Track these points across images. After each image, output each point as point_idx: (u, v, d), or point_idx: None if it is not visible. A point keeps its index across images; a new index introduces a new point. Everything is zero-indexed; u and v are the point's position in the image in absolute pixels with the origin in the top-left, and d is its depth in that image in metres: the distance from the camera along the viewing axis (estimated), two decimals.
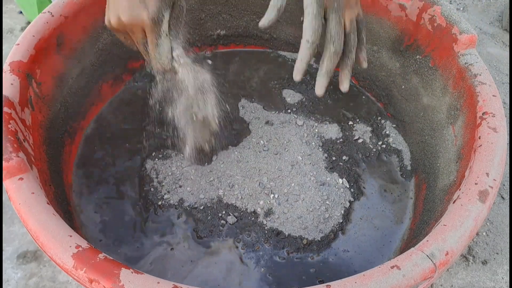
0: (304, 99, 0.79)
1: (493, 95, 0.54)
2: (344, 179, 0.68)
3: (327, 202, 0.65)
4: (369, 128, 0.75)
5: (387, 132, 0.75)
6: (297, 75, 0.56)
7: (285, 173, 0.67)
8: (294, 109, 0.77)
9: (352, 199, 0.66)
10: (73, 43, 0.64)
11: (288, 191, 0.66)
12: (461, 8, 1.18)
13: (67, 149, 0.64)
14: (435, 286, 0.68)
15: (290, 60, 0.86)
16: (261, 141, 0.72)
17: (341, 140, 0.73)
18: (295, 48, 0.84)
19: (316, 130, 0.74)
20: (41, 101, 0.57)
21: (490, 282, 0.68)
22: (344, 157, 0.71)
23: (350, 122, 0.76)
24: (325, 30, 0.54)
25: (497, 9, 1.17)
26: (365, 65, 0.59)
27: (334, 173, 0.69)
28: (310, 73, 0.82)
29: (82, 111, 0.69)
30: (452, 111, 0.61)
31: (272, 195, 0.65)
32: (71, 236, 0.41)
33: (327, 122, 0.75)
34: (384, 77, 0.75)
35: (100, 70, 0.70)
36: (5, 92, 0.51)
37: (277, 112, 0.77)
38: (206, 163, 0.67)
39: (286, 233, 0.61)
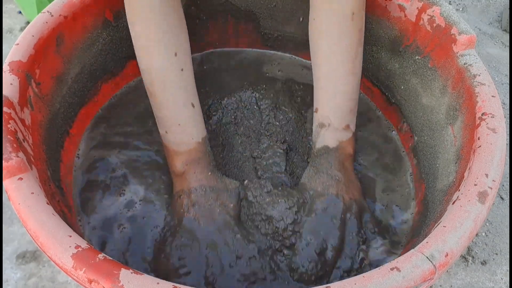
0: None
1: (492, 96, 0.54)
2: None
3: None
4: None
5: (386, 133, 0.75)
6: None
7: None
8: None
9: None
10: (73, 43, 0.64)
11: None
12: (460, 9, 1.18)
13: (67, 149, 0.64)
14: (434, 286, 0.68)
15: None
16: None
17: None
18: (294, 48, 0.85)
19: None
20: (40, 101, 0.57)
21: (489, 283, 0.68)
22: None
23: None
24: None
25: (497, 10, 1.17)
26: None
27: None
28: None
29: (81, 112, 0.69)
30: (451, 111, 0.61)
31: None
32: (70, 236, 0.41)
33: None
34: (383, 78, 0.75)
35: (99, 70, 0.70)
36: (4, 92, 0.51)
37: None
38: None
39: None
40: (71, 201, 0.62)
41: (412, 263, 0.40)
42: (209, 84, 0.79)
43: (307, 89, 0.80)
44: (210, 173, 0.62)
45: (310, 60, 0.84)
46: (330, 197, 0.60)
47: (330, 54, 0.63)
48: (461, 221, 0.43)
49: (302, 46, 0.83)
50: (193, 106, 0.62)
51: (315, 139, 0.66)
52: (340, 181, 0.62)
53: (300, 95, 0.79)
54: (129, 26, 0.61)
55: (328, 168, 0.63)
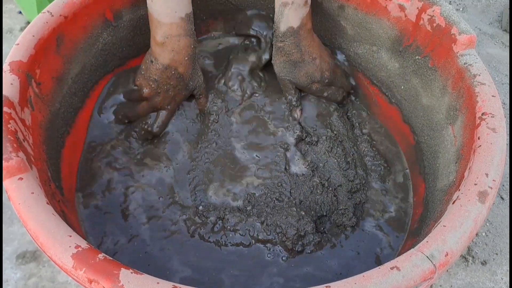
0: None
1: (493, 96, 0.54)
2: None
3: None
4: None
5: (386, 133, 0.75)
6: None
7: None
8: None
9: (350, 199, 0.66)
10: (73, 43, 0.64)
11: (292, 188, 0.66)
12: (461, 9, 1.18)
13: (67, 149, 0.64)
14: (435, 286, 0.68)
15: None
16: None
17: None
18: None
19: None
20: (40, 101, 0.57)
21: (489, 283, 0.68)
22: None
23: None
24: None
25: (497, 10, 1.17)
26: None
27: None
28: None
29: (82, 111, 0.69)
30: (451, 111, 0.61)
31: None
32: (70, 236, 0.41)
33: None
34: (383, 78, 0.75)
35: (99, 70, 0.70)
36: (5, 92, 0.51)
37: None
38: None
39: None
40: (71, 200, 0.62)
41: (412, 262, 0.40)
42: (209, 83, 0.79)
43: None
44: (187, 58, 0.65)
45: None
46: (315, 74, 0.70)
47: None
48: (461, 221, 0.43)
49: None
50: None
51: (279, 21, 0.67)
52: (316, 58, 0.68)
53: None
54: None
55: (300, 54, 0.68)
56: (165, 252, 0.60)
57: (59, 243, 0.40)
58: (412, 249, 0.42)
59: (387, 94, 0.76)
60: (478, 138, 0.51)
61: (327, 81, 0.71)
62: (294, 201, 0.65)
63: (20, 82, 0.53)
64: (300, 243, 0.60)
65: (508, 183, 0.79)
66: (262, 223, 0.62)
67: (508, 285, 0.68)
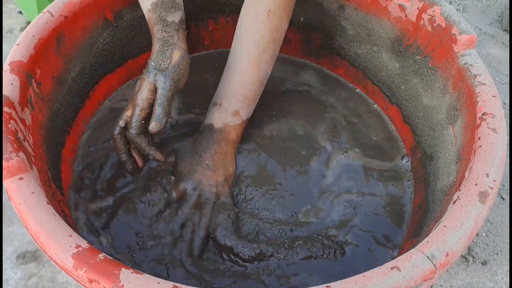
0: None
1: (493, 96, 0.54)
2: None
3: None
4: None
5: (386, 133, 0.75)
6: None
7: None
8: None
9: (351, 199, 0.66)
10: (73, 43, 0.64)
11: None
12: (461, 9, 1.18)
13: (67, 149, 0.64)
14: (435, 286, 0.68)
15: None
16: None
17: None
18: (294, 48, 0.85)
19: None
20: (41, 101, 0.57)
21: (489, 283, 0.68)
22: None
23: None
24: None
25: (497, 10, 1.17)
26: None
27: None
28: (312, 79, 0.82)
29: (82, 111, 0.69)
30: (451, 111, 0.61)
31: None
32: (71, 236, 0.41)
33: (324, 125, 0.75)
34: (383, 78, 0.75)
35: (100, 70, 0.70)
36: (5, 92, 0.51)
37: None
38: None
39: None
40: (71, 200, 0.62)
41: (413, 262, 0.40)
42: (209, 84, 0.79)
43: (304, 88, 0.80)
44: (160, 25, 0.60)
45: (308, 60, 0.85)
46: (191, 182, 0.63)
47: (241, 42, 0.65)
48: (461, 221, 0.43)
49: (301, 46, 0.84)
50: None
51: (206, 116, 0.68)
52: (209, 166, 0.64)
53: (297, 94, 0.79)
54: None
55: (204, 149, 0.65)
56: (162, 255, 0.60)
57: (60, 243, 0.40)
58: (412, 249, 0.42)
59: (387, 94, 0.76)
60: (479, 138, 0.51)
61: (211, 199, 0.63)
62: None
63: (20, 82, 0.53)
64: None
65: (508, 183, 0.79)
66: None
67: (508, 285, 0.68)
